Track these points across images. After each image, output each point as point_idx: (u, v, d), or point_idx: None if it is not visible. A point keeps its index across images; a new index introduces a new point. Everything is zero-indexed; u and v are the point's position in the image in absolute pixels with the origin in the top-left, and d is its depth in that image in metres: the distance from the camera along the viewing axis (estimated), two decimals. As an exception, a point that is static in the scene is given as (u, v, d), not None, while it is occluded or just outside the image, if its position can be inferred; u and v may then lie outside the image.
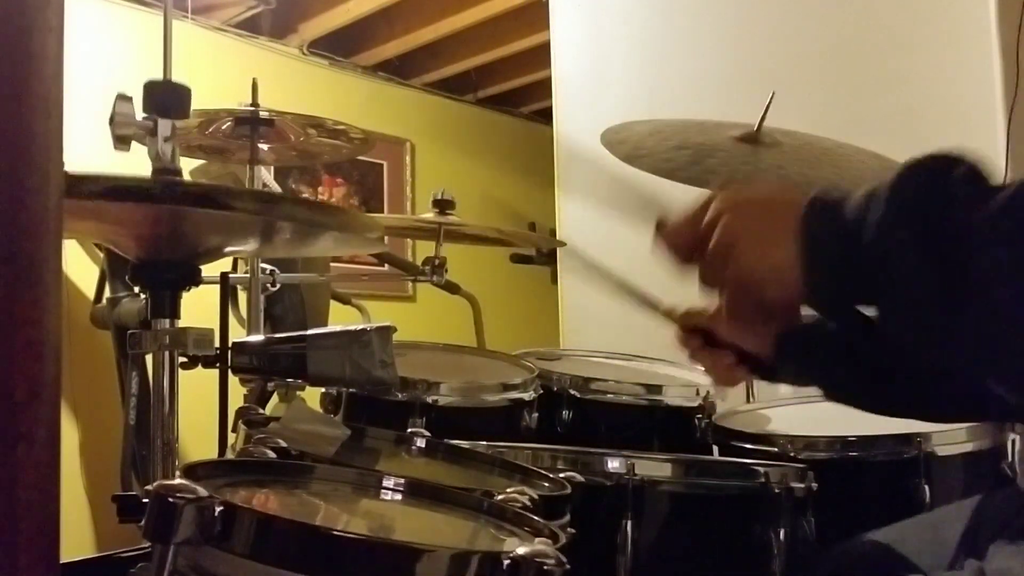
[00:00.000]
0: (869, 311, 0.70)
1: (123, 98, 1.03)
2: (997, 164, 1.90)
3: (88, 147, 1.62)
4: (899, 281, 0.64)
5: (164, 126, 1.06)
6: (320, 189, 4.40)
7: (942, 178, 0.64)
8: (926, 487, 1.27)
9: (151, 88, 1.08)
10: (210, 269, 1.24)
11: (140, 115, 1.06)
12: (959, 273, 0.61)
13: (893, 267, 0.63)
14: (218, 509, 0.59)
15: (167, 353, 1.12)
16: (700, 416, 1.60)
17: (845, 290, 0.69)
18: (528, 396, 1.51)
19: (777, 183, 0.87)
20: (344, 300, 3.38)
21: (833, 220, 0.68)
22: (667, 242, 0.81)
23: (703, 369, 0.97)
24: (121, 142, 1.03)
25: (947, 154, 0.65)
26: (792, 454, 1.33)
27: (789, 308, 0.78)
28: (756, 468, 1.18)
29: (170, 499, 0.58)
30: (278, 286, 2.06)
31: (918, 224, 0.63)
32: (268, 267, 2.03)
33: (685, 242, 0.79)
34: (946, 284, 0.61)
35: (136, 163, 1.12)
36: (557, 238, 2.78)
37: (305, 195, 4.31)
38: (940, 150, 0.66)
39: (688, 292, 0.84)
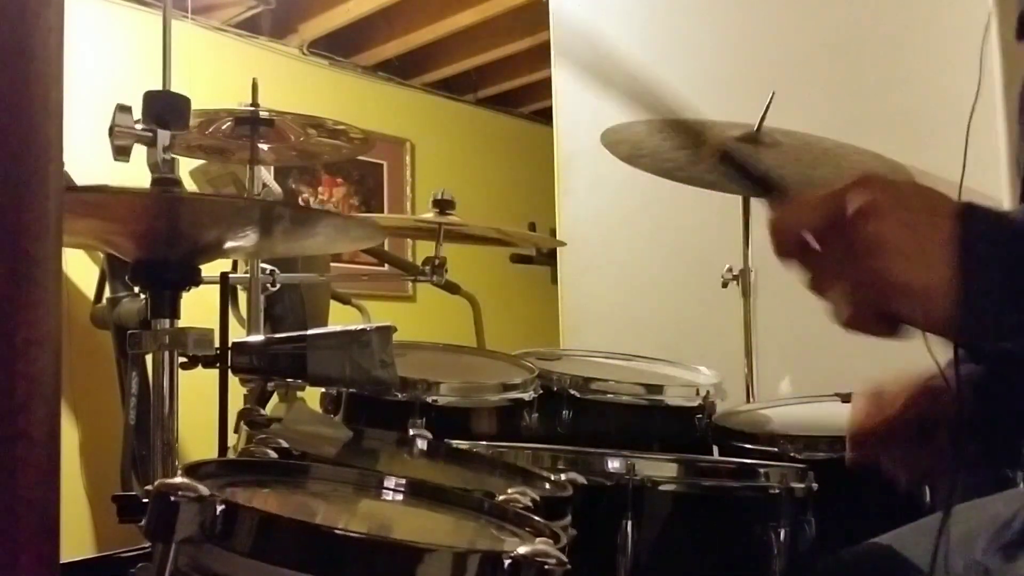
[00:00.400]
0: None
1: (122, 109, 1.04)
2: (997, 164, 1.90)
3: (88, 147, 1.63)
4: None
5: (163, 137, 1.06)
6: (320, 189, 4.40)
7: None
8: (926, 488, 1.27)
9: (150, 99, 1.08)
10: (210, 269, 1.24)
11: (140, 125, 1.06)
12: None
13: None
14: (219, 508, 0.59)
15: (167, 353, 1.12)
16: (700, 416, 1.60)
17: (1010, 323, 0.61)
18: (528, 396, 1.51)
19: (923, 184, 0.70)
20: (344, 300, 3.38)
21: (998, 249, 0.61)
22: (784, 222, 0.67)
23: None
24: (121, 153, 1.04)
25: None
26: (792, 454, 1.33)
27: (914, 326, 0.66)
28: (756, 468, 1.18)
29: (171, 497, 0.58)
30: (278, 286, 2.06)
31: None
32: (268, 267, 2.03)
33: (810, 226, 0.66)
34: None
35: (136, 163, 1.12)
36: (557, 238, 2.77)
37: (305, 195, 4.31)
38: None
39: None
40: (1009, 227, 0.63)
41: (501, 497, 0.79)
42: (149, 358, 1.16)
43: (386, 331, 1.12)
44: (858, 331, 0.66)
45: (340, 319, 3.27)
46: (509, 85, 4.86)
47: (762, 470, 1.16)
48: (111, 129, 1.03)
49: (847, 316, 0.65)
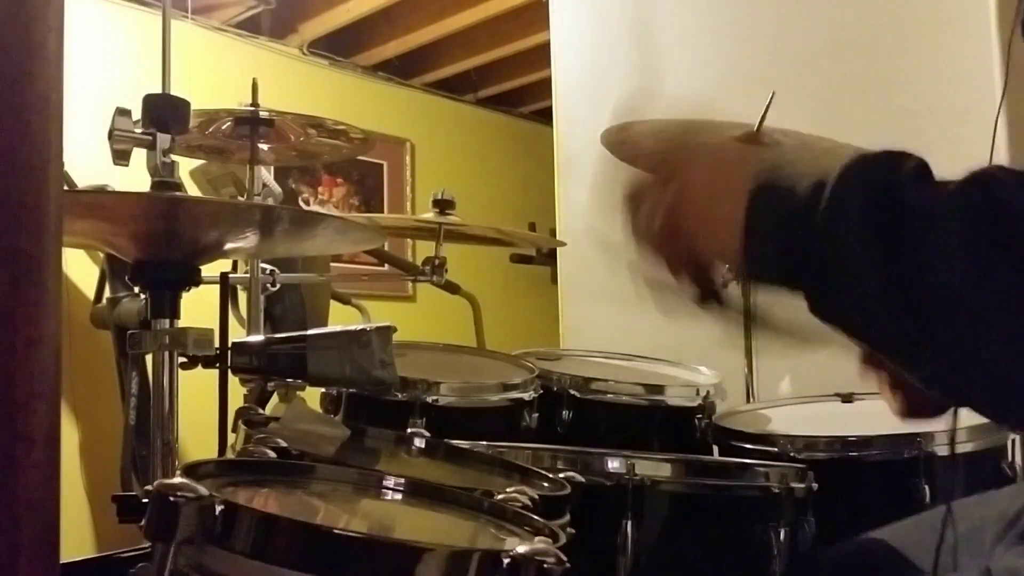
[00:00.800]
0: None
1: (122, 112, 1.04)
2: (996, 164, 1.89)
3: (88, 148, 1.63)
4: (843, 271, 0.63)
5: (163, 140, 1.06)
6: (320, 189, 4.40)
7: (890, 170, 0.64)
8: (926, 487, 1.27)
9: (150, 102, 1.08)
10: (210, 269, 1.24)
11: (139, 128, 1.06)
12: (906, 261, 0.60)
13: (837, 255, 0.63)
14: (219, 508, 0.59)
15: (167, 353, 1.12)
16: (700, 416, 1.60)
17: (780, 272, 0.69)
18: (528, 396, 1.51)
19: (742, 148, 0.86)
20: (344, 300, 3.38)
21: (781, 201, 0.68)
22: (629, 202, 0.79)
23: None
24: (120, 157, 1.04)
25: (894, 150, 0.66)
26: (792, 454, 1.33)
27: (717, 267, 0.76)
28: (756, 468, 1.18)
29: (171, 498, 0.59)
30: (278, 286, 2.06)
31: (866, 213, 0.63)
32: (268, 267, 2.03)
33: (641, 203, 0.77)
34: (893, 272, 0.61)
35: (136, 163, 1.12)
36: (557, 238, 2.77)
37: (305, 195, 4.31)
38: (886, 148, 0.66)
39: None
40: (791, 197, 0.68)
41: (500, 496, 0.79)
42: (149, 358, 1.16)
43: (386, 331, 1.12)
44: (667, 274, 0.75)
45: (340, 319, 3.27)
46: (509, 85, 4.86)
47: (762, 470, 1.16)
48: (110, 133, 1.03)
49: (658, 251, 0.75)
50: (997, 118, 0.86)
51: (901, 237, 0.61)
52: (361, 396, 1.43)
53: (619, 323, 2.56)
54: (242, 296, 2.22)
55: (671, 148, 0.78)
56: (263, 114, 1.77)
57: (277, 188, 2.11)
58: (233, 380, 1.23)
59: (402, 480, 0.84)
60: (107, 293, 2.98)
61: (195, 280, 1.15)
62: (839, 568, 1.00)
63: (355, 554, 0.59)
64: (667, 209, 0.74)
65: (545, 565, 0.58)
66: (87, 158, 1.84)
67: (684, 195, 0.74)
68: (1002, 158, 1.85)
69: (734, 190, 0.71)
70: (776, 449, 1.35)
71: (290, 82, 4.04)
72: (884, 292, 0.62)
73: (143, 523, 0.60)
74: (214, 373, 1.19)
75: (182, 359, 1.13)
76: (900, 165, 0.64)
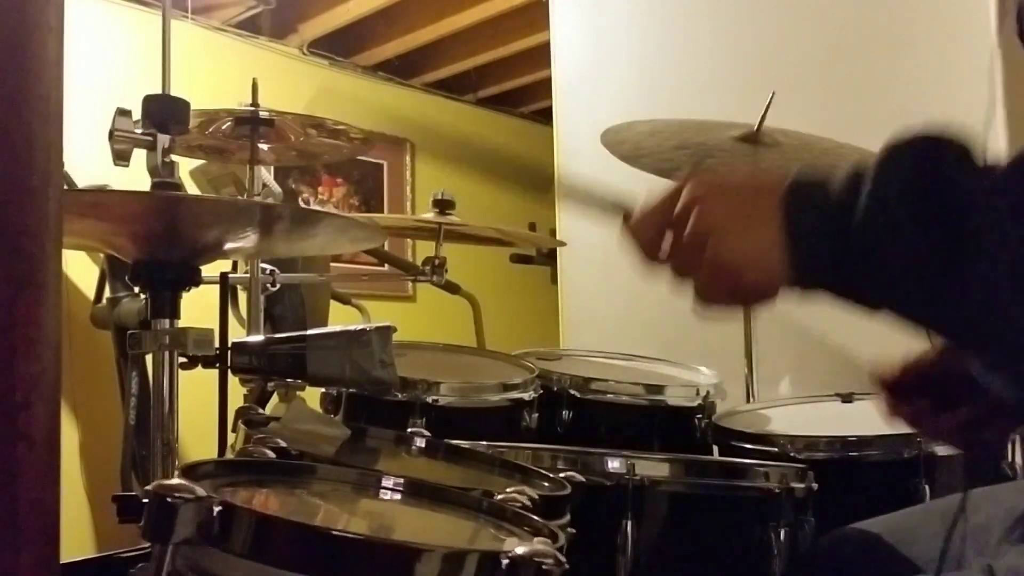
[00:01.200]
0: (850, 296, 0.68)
1: (122, 113, 1.04)
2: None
3: (88, 148, 1.63)
4: (895, 257, 0.62)
5: (163, 141, 1.06)
6: (320, 189, 4.40)
7: (934, 154, 0.63)
8: (926, 487, 1.27)
9: (150, 103, 1.08)
10: (210, 269, 1.24)
11: (139, 129, 1.06)
12: (958, 243, 0.59)
13: (888, 243, 0.62)
14: (217, 509, 0.59)
15: (167, 353, 1.12)
16: (700, 416, 1.60)
17: (831, 271, 0.67)
18: (528, 396, 1.51)
19: (751, 167, 0.82)
20: (344, 300, 3.38)
21: (817, 201, 0.66)
22: (635, 233, 0.76)
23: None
24: (120, 157, 1.04)
25: (934, 130, 0.65)
26: (792, 454, 1.33)
27: (768, 292, 0.73)
28: (756, 468, 1.18)
29: (169, 499, 0.58)
30: (278, 286, 2.06)
31: (913, 198, 0.62)
32: (268, 267, 2.03)
33: (655, 232, 0.74)
34: (946, 254, 0.60)
35: (136, 163, 1.12)
36: (557, 238, 2.77)
37: (305, 195, 4.31)
38: (926, 129, 0.65)
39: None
40: (828, 180, 0.67)
41: (499, 496, 0.79)
42: (149, 358, 1.16)
43: (386, 331, 1.12)
44: (716, 307, 0.73)
45: (340, 319, 3.27)
46: (509, 85, 4.86)
47: (762, 470, 1.16)
48: (111, 133, 1.03)
49: (706, 296, 0.73)
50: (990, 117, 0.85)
51: (949, 223, 0.60)
52: (361, 396, 1.43)
53: (619, 323, 2.57)
54: (242, 296, 2.22)
55: (680, 178, 0.74)
56: (263, 114, 1.77)
57: (277, 188, 2.12)
58: (233, 380, 1.23)
59: (402, 480, 0.84)
60: (107, 293, 2.98)
61: (195, 280, 1.15)
62: (841, 560, 1.00)
63: (354, 555, 0.59)
64: (693, 238, 0.70)
65: (544, 566, 0.58)
66: (87, 158, 1.84)
67: (710, 220, 0.70)
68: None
69: (762, 202, 0.69)
70: (776, 449, 1.35)
71: (290, 82, 4.04)
72: (935, 280, 0.61)
73: (142, 524, 0.60)
74: (214, 373, 1.18)
75: (182, 359, 1.13)
76: (943, 148, 0.63)
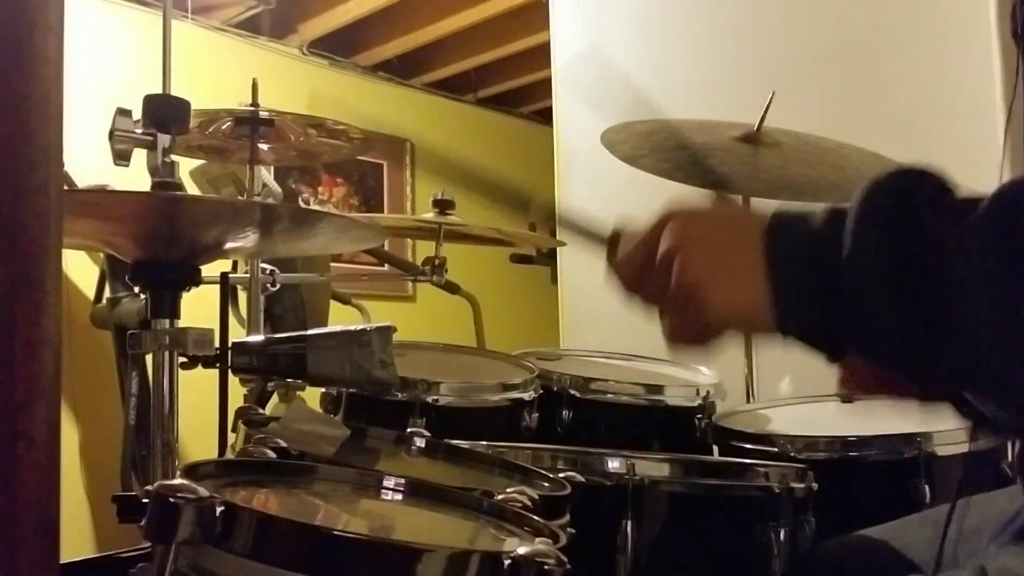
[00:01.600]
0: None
1: (122, 112, 1.04)
2: (996, 164, 1.89)
3: (88, 148, 1.63)
4: (880, 309, 0.62)
5: (163, 140, 1.07)
6: (320, 189, 4.40)
7: (909, 198, 0.63)
8: (926, 487, 1.27)
9: (150, 102, 1.08)
10: (210, 269, 1.24)
11: (139, 129, 1.06)
12: (935, 291, 0.60)
13: (872, 294, 0.62)
14: (219, 509, 0.59)
15: (167, 353, 1.12)
16: (700, 416, 1.60)
17: (817, 326, 0.67)
18: (528, 396, 1.51)
19: (726, 204, 0.82)
20: (344, 300, 3.38)
21: (800, 255, 0.66)
22: (617, 272, 0.76)
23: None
24: (121, 157, 1.04)
25: (911, 171, 0.65)
26: (792, 454, 1.33)
27: (744, 333, 0.76)
28: (756, 468, 1.18)
29: (171, 499, 0.58)
30: (278, 286, 2.06)
31: (888, 248, 0.62)
32: (268, 267, 2.03)
33: (637, 270, 0.74)
34: (926, 303, 0.60)
35: (136, 163, 1.12)
36: (557, 238, 2.77)
37: (305, 195, 4.31)
38: (902, 167, 0.65)
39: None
40: (807, 230, 0.67)
41: (500, 496, 0.79)
42: (149, 358, 1.16)
43: (386, 331, 1.12)
44: (685, 347, 0.73)
45: (340, 319, 3.27)
46: (509, 85, 4.86)
47: (762, 470, 1.16)
48: (111, 133, 1.03)
49: (679, 336, 0.73)
50: (1009, 119, 0.84)
51: (926, 272, 0.60)
52: (361, 396, 1.43)
53: (619, 323, 2.56)
54: (242, 296, 2.22)
55: (656, 218, 0.75)
56: (263, 114, 1.77)
57: (277, 188, 2.12)
58: (233, 380, 1.23)
59: (402, 480, 0.84)
60: (107, 293, 2.98)
61: (195, 280, 1.15)
62: (839, 565, 1.00)
63: (355, 555, 0.59)
64: (676, 291, 0.70)
65: (546, 567, 0.58)
66: (87, 158, 1.84)
67: (691, 273, 0.69)
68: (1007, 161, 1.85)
69: (743, 251, 0.68)
70: (776, 449, 1.35)
71: (290, 82, 4.04)
72: (912, 330, 0.61)
73: (143, 524, 0.60)
74: (214, 373, 1.18)
75: (182, 359, 1.13)
76: (918, 188, 0.63)
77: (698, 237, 0.71)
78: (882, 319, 0.63)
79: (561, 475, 0.97)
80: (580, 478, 1.00)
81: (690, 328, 0.72)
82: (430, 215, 2.05)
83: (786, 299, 0.66)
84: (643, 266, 0.73)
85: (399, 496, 0.84)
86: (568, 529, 0.82)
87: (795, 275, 0.66)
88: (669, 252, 0.71)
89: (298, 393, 1.31)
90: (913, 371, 0.67)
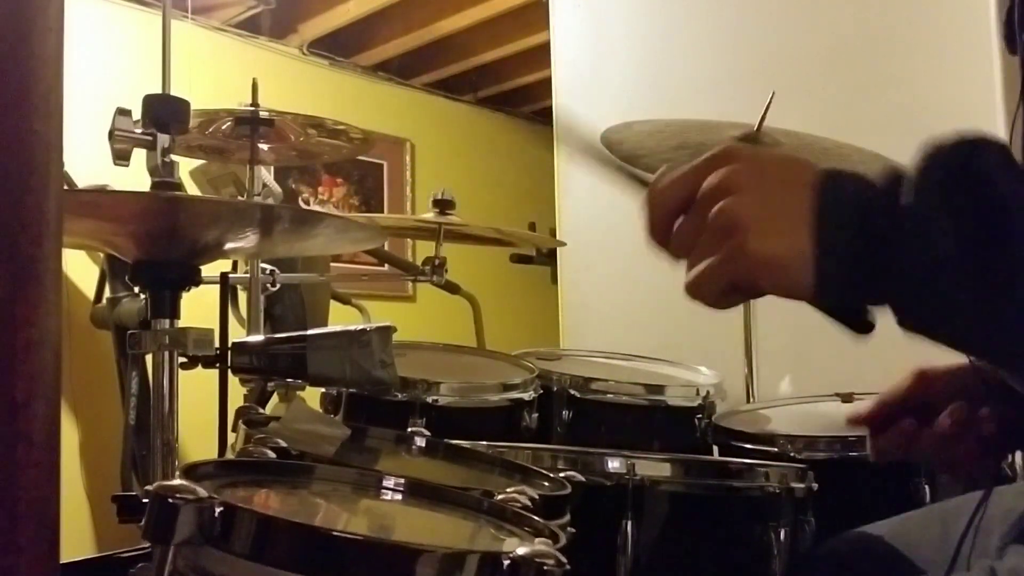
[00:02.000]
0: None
1: (122, 112, 1.04)
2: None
3: (88, 148, 1.63)
4: (932, 263, 0.59)
5: (163, 140, 1.07)
6: (320, 189, 4.40)
7: (974, 158, 0.61)
8: (926, 487, 1.27)
9: (150, 102, 1.08)
10: (210, 269, 1.25)
11: (139, 129, 1.06)
12: (997, 251, 0.58)
13: (926, 247, 0.59)
14: (218, 510, 0.59)
15: (167, 353, 1.12)
16: (700, 416, 1.60)
17: (867, 276, 0.62)
18: (528, 396, 1.51)
19: (789, 154, 0.73)
20: (344, 300, 3.38)
21: (855, 205, 0.62)
22: (652, 204, 0.69)
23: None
24: (120, 157, 1.04)
25: (974, 135, 0.62)
26: (792, 454, 1.33)
27: (778, 295, 0.67)
28: (756, 468, 1.18)
29: (170, 500, 0.58)
30: (278, 286, 2.06)
31: (951, 204, 0.59)
32: (268, 267, 2.03)
33: (674, 206, 0.68)
34: (986, 264, 0.58)
35: (136, 163, 1.12)
36: (557, 238, 2.77)
37: (305, 195, 4.31)
38: (963, 133, 0.62)
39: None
40: (863, 182, 0.63)
41: (499, 496, 0.79)
42: (149, 358, 1.16)
43: (386, 331, 1.12)
44: (702, 301, 0.67)
45: (340, 319, 3.27)
46: (509, 85, 4.86)
47: (762, 470, 1.16)
48: (111, 133, 1.03)
49: (700, 285, 0.66)
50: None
51: (993, 231, 0.58)
52: (361, 396, 1.43)
53: (619, 323, 2.57)
54: (242, 296, 2.22)
55: (706, 157, 0.68)
56: (263, 114, 1.77)
57: (277, 188, 2.12)
58: (233, 380, 1.23)
59: (402, 480, 0.84)
60: (107, 293, 2.98)
61: (195, 280, 1.15)
62: (839, 565, 1.00)
63: (354, 556, 0.59)
64: (716, 229, 0.64)
65: (545, 567, 0.58)
66: (87, 158, 1.84)
67: (738, 212, 0.64)
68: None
69: (794, 199, 0.63)
70: (776, 449, 1.35)
71: (290, 82, 4.04)
72: (979, 295, 0.59)
73: (142, 524, 0.60)
74: (214, 373, 1.19)
75: (182, 359, 1.13)
76: (983, 151, 0.61)
77: (748, 177, 0.65)
78: (939, 276, 0.59)
79: (561, 475, 0.97)
80: (580, 478, 1.00)
81: (717, 280, 0.66)
82: (430, 215, 2.05)
83: (833, 249, 0.62)
84: (684, 200, 0.67)
85: (399, 496, 0.84)
86: (568, 529, 0.82)
87: (846, 223, 0.62)
88: (715, 189, 0.65)
89: (298, 393, 1.31)
90: (965, 330, 0.62)
